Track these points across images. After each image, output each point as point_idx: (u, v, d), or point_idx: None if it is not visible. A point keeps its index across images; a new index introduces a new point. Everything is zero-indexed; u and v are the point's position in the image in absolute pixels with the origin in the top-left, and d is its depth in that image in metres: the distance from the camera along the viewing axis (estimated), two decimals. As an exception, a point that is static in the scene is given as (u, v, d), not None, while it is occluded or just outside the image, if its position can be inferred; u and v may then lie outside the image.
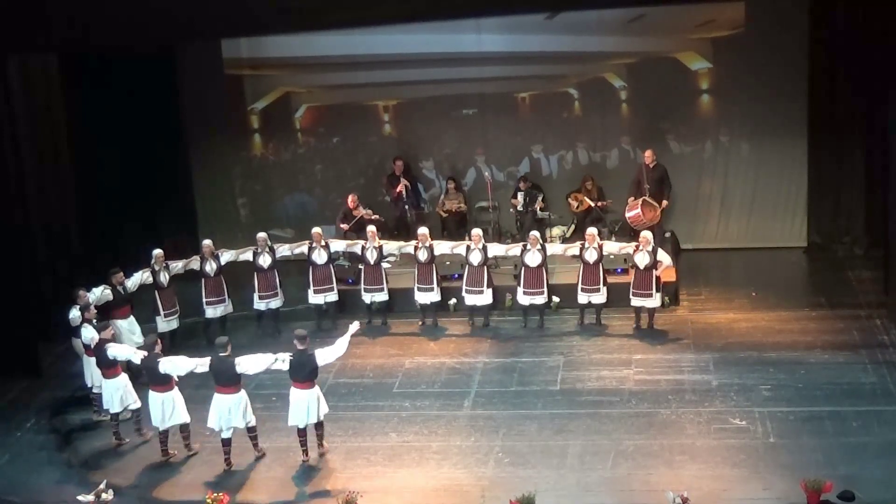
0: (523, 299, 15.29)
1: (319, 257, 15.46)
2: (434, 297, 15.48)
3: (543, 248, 15.19)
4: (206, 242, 15.21)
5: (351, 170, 18.91)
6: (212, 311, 15.18)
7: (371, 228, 15.68)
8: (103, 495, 10.75)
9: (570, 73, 18.06)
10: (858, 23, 16.01)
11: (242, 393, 11.87)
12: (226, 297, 15.24)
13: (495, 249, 15.48)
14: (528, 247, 15.13)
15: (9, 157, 14.57)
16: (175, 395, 12.08)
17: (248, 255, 15.39)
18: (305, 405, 11.75)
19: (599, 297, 15.14)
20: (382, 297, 15.62)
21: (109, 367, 12.36)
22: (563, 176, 18.35)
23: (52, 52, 15.65)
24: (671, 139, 17.92)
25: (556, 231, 17.60)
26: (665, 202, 16.75)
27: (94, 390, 13.02)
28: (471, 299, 15.40)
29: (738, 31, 17.11)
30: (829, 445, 11.47)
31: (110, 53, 16.31)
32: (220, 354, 11.79)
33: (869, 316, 14.87)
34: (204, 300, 15.10)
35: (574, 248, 15.29)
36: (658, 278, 14.85)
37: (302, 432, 11.88)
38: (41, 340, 14.88)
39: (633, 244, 15.12)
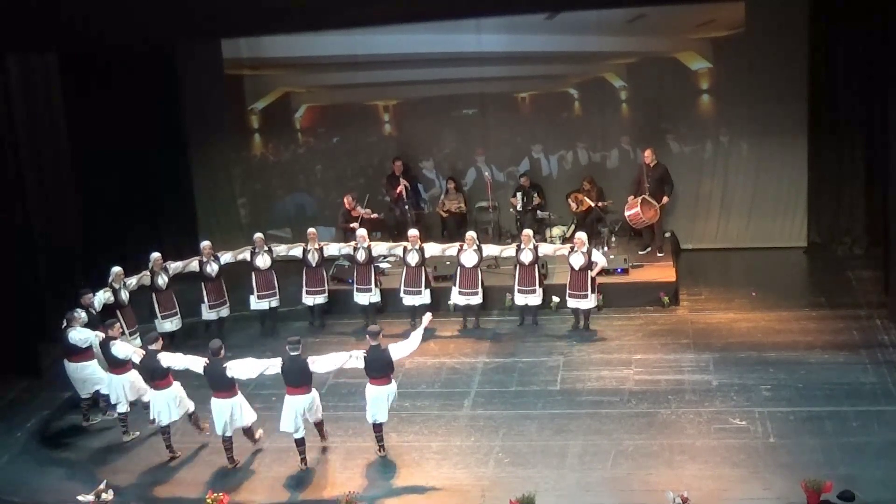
0: (459, 299, 15.34)
1: (263, 262, 15.43)
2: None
3: (479, 249, 15.23)
4: (155, 255, 14.82)
5: (351, 170, 18.93)
6: (163, 326, 14.84)
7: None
8: (103, 495, 10.75)
9: (570, 73, 18.07)
10: (859, 23, 15.99)
11: (314, 392, 11.73)
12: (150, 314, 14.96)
13: (432, 249, 15.50)
14: (465, 247, 15.19)
15: (9, 157, 14.57)
16: (240, 399, 11.77)
17: (194, 266, 15.16)
18: (384, 399, 11.68)
19: (535, 299, 15.23)
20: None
21: (162, 379, 11.96)
22: (563, 176, 18.36)
23: (52, 52, 15.65)
24: (671, 139, 17.93)
25: (556, 231, 17.66)
26: (665, 199, 16.76)
27: (120, 408, 12.63)
28: (409, 300, 15.43)
29: (738, 31, 17.11)
30: (829, 445, 11.47)
31: (110, 53, 16.31)
32: (292, 354, 11.54)
33: (869, 316, 14.87)
34: (159, 314, 14.83)
35: (510, 249, 15.35)
36: (593, 279, 14.92)
37: (378, 427, 11.83)
38: (41, 341, 14.88)
39: (568, 245, 15.24)
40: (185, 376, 12.16)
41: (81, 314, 13.07)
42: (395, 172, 17.80)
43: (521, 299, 15.29)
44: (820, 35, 16.59)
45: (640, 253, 16.99)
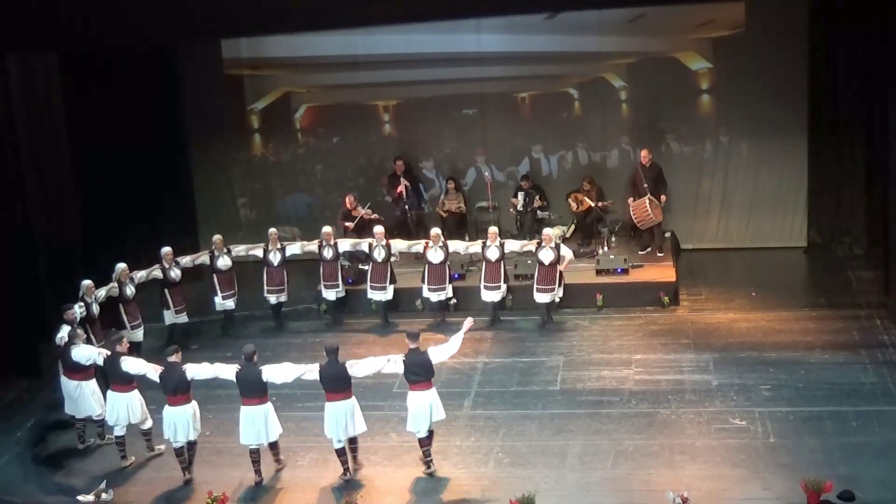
0: (430, 296, 15.50)
1: (224, 263, 15.42)
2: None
3: (445, 246, 15.38)
4: (121, 266, 14.46)
5: (351, 170, 18.93)
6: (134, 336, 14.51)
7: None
8: (103, 495, 10.76)
9: (570, 73, 18.07)
10: (859, 22, 15.99)
11: (353, 399, 11.45)
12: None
13: (398, 246, 15.70)
14: (431, 244, 15.35)
15: (9, 157, 14.57)
16: (270, 407, 11.49)
17: (157, 273, 14.98)
18: (427, 408, 11.36)
19: (500, 295, 15.37)
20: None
21: (183, 393, 11.59)
22: (563, 176, 18.35)
23: (52, 52, 15.64)
24: (671, 139, 17.92)
25: (557, 231, 17.63)
26: (664, 197, 16.82)
27: (118, 431, 12.18)
28: (373, 295, 15.65)
29: (738, 31, 17.11)
30: (829, 445, 11.47)
31: (110, 53, 16.31)
32: (330, 359, 11.40)
33: (869, 316, 14.87)
34: (128, 324, 14.42)
35: (476, 246, 15.51)
36: (561, 274, 15.09)
37: (425, 441, 11.48)
38: (41, 341, 14.86)
39: (535, 241, 15.44)
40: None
41: (80, 331, 12.73)
42: (396, 172, 17.80)
43: (487, 296, 15.40)
44: (820, 35, 16.59)
45: (640, 253, 16.99)
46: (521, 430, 12.35)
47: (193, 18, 13.41)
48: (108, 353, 12.18)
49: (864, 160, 16.91)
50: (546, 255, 15.04)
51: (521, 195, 17.45)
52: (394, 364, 11.43)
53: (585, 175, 17.64)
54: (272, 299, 15.82)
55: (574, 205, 17.43)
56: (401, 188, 17.56)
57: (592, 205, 17.18)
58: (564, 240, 17.47)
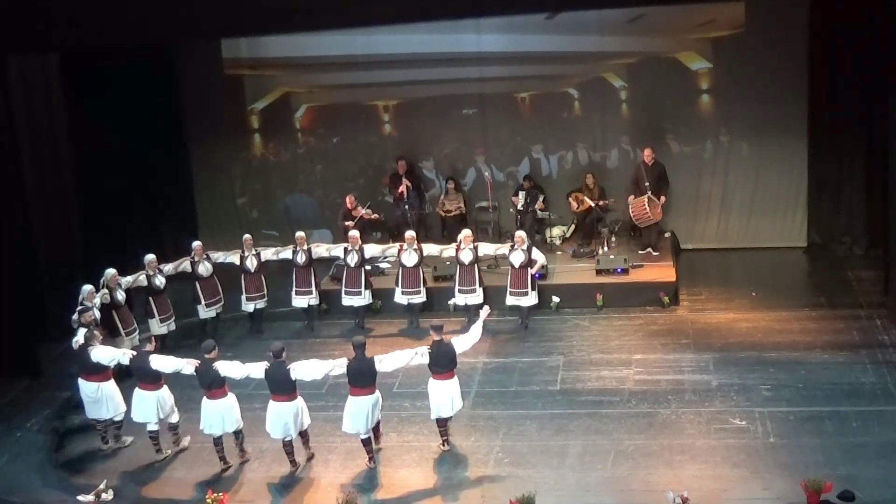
0: (401, 299, 15.50)
1: (205, 270, 15.29)
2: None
3: (419, 249, 15.40)
4: (111, 271, 14.28)
5: (351, 170, 18.93)
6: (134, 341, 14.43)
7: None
8: (103, 495, 10.76)
9: (570, 73, 18.07)
10: (858, 22, 15.98)
11: (377, 393, 11.69)
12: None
13: (373, 250, 15.68)
14: (405, 246, 15.36)
15: (9, 156, 14.57)
16: (301, 403, 11.65)
17: (143, 280, 14.76)
18: (449, 396, 11.78)
19: (475, 298, 15.29)
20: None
21: (218, 388, 11.66)
22: (563, 176, 18.36)
23: (52, 52, 15.65)
24: (671, 139, 17.93)
25: (557, 231, 17.69)
26: (663, 197, 16.83)
27: (151, 427, 12.16)
28: (348, 300, 15.61)
29: (738, 31, 17.11)
30: (829, 445, 11.47)
31: (110, 53, 16.31)
32: (357, 354, 11.53)
33: (869, 316, 14.87)
34: (122, 330, 14.25)
35: (450, 249, 15.46)
36: (533, 277, 15.07)
37: (442, 422, 11.93)
38: (40, 341, 14.87)
39: (508, 244, 15.37)
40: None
41: (97, 332, 12.61)
42: (398, 171, 17.79)
43: (461, 299, 15.37)
44: (820, 35, 16.58)
45: (639, 253, 16.99)
46: (521, 430, 12.35)
47: (193, 18, 13.41)
48: (134, 353, 12.13)
49: (864, 160, 16.92)
50: (517, 258, 15.00)
51: (521, 194, 17.44)
52: (421, 356, 11.64)
53: (589, 171, 17.58)
54: (250, 307, 15.69)
55: (574, 204, 17.43)
56: (402, 188, 17.56)
57: (592, 204, 17.17)
58: (564, 239, 17.55)
